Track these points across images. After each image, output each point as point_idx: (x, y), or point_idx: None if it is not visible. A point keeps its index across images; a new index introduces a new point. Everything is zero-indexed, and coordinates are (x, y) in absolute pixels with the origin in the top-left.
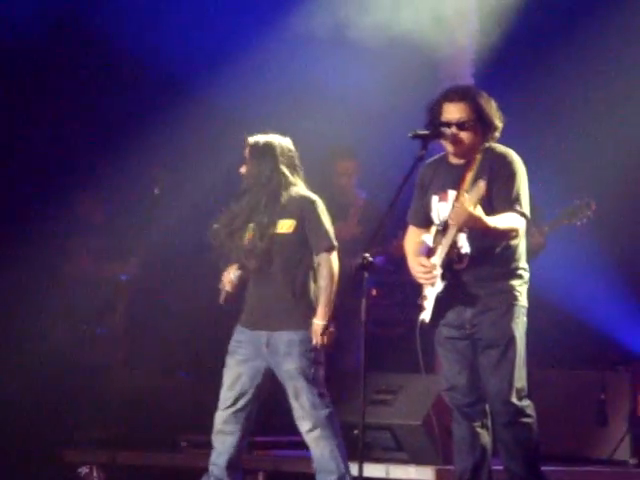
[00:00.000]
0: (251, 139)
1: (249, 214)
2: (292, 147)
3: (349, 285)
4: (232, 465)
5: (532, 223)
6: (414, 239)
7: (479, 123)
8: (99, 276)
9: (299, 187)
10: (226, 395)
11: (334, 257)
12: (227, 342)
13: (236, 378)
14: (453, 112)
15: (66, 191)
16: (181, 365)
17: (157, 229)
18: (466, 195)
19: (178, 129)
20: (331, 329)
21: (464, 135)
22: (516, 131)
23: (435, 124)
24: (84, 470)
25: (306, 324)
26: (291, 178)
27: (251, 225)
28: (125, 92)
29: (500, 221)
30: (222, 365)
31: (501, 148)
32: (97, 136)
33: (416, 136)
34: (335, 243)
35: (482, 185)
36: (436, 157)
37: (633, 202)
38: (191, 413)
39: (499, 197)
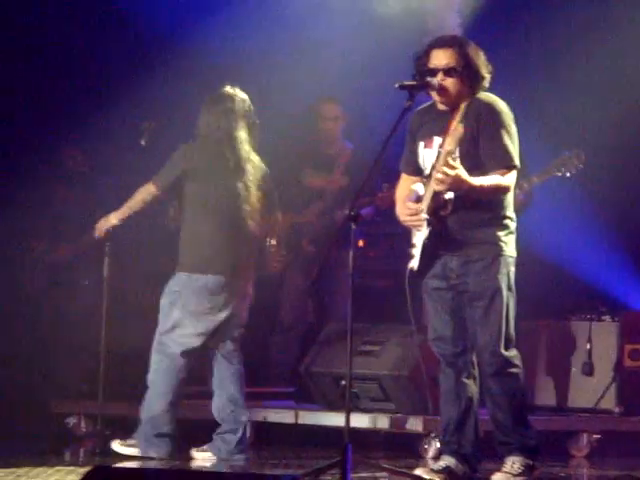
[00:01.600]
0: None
1: None
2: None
3: (336, 237)
4: None
5: (520, 175)
6: (405, 187)
7: (466, 70)
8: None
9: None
10: None
11: None
12: None
13: None
14: (440, 58)
15: (54, 142)
16: None
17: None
18: (446, 142)
19: (166, 82)
20: None
21: (450, 82)
22: (504, 83)
23: (422, 72)
24: (72, 421)
25: None
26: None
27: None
28: (112, 44)
29: (486, 181)
30: None
31: (488, 97)
32: (84, 89)
33: (402, 87)
34: None
35: (460, 128)
36: (425, 105)
37: (622, 153)
38: None
39: (486, 149)
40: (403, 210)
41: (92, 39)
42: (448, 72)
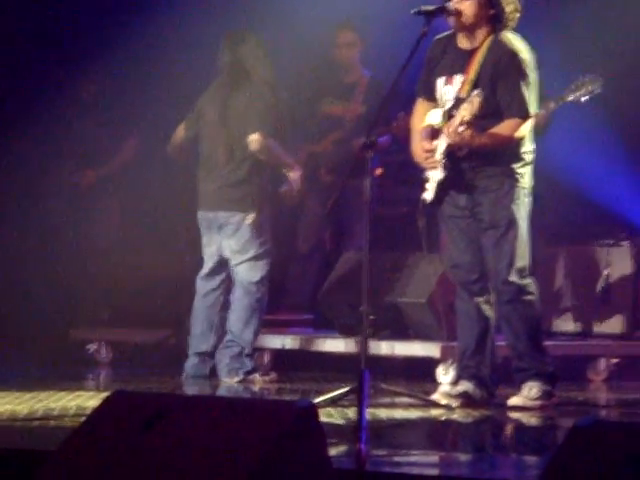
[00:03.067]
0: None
1: None
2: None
3: (353, 165)
4: None
5: (543, 97)
6: (422, 112)
7: None
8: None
9: None
10: None
11: None
12: None
13: None
14: None
15: (65, 72)
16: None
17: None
18: (460, 110)
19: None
20: None
21: (465, 5)
22: (530, 7)
23: None
24: (92, 347)
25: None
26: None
27: None
28: None
29: (494, 137)
30: None
31: (512, 42)
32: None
33: (419, 12)
34: None
35: (476, 101)
36: (445, 34)
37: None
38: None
39: (504, 98)
40: (418, 150)
41: None
42: None
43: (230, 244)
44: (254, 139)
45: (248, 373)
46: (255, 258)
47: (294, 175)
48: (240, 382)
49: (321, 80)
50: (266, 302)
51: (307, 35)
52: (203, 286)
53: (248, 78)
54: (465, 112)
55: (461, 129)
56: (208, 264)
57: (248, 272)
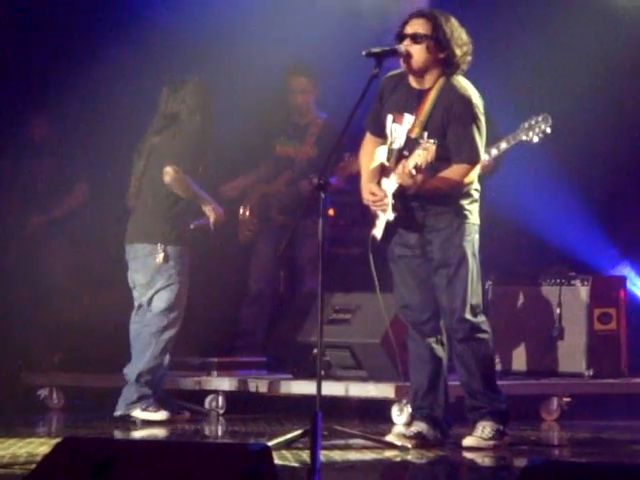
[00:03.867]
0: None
1: None
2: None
3: (305, 206)
4: None
5: (490, 141)
6: (371, 148)
7: (433, 40)
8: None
9: None
10: None
11: None
12: None
13: None
14: (412, 26)
15: (17, 111)
16: None
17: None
18: (414, 154)
19: (128, 51)
20: None
21: (415, 49)
22: (476, 48)
23: (396, 39)
24: (44, 393)
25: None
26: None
27: None
28: (74, 14)
29: (443, 182)
30: None
31: (463, 87)
32: (47, 55)
33: (369, 54)
34: None
35: (432, 149)
36: (398, 71)
37: (593, 118)
38: None
39: (454, 142)
40: (366, 192)
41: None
42: (414, 38)
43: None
44: (167, 171)
45: (131, 404)
46: (162, 288)
47: (209, 210)
48: (123, 415)
49: (275, 121)
50: (173, 331)
51: (262, 77)
52: (133, 321)
53: (176, 122)
54: (419, 158)
55: (414, 172)
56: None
57: (156, 302)
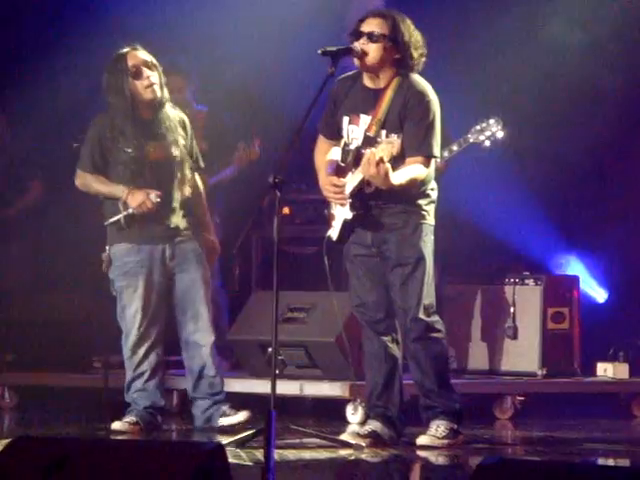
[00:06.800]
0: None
1: None
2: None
3: (259, 206)
4: None
5: (443, 144)
6: (324, 150)
7: (390, 40)
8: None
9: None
10: None
11: None
12: None
13: None
14: (369, 25)
15: None
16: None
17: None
18: (379, 147)
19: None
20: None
21: (371, 47)
22: (430, 51)
23: (351, 37)
24: None
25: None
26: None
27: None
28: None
29: (404, 176)
30: None
31: (419, 84)
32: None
33: (325, 53)
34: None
35: (396, 143)
36: (350, 73)
37: (546, 119)
38: (104, 334)
39: (409, 137)
40: (326, 185)
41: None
42: (370, 37)
43: None
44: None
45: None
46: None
47: (125, 200)
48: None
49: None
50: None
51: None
52: None
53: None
54: (383, 152)
55: (380, 161)
56: None
57: None
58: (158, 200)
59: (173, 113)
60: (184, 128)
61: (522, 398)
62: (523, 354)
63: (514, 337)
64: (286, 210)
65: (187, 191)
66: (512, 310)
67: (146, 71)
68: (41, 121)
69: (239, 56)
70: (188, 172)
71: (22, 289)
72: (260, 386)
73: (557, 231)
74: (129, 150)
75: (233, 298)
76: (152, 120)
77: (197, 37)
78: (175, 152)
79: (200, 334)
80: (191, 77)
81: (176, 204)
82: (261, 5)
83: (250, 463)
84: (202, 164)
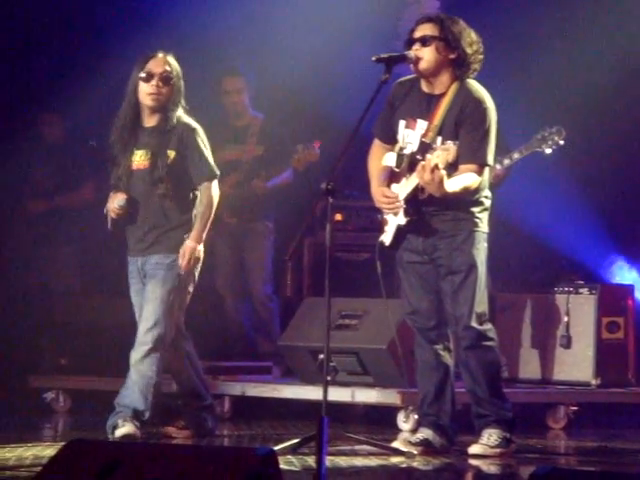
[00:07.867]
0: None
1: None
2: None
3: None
4: None
5: (502, 151)
6: (379, 155)
7: (441, 41)
8: (57, 207)
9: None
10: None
11: (214, 186)
12: None
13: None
14: (420, 30)
15: (28, 110)
16: None
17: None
18: (434, 154)
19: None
20: (198, 254)
21: (425, 52)
22: (491, 57)
23: (406, 45)
24: (50, 396)
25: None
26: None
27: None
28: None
29: (458, 184)
30: None
31: (477, 91)
32: (56, 58)
33: (379, 60)
34: (216, 172)
35: (452, 150)
36: (409, 77)
37: (605, 129)
38: None
39: (464, 144)
40: (379, 197)
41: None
42: (422, 41)
43: None
44: None
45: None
46: None
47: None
48: None
49: (213, 128)
50: None
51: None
52: None
53: None
54: (439, 159)
55: (436, 168)
56: None
57: None
58: (121, 204)
59: (182, 123)
60: (187, 139)
61: (575, 408)
62: (577, 364)
63: (568, 346)
64: (338, 216)
65: (166, 204)
66: (566, 319)
67: (156, 79)
68: (97, 123)
69: (296, 61)
70: (171, 185)
71: (73, 293)
72: (312, 393)
73: (613, 240)
74: (121, 155)
75: (285, 304)
76: (150, 129)
77: (255, 43)
78: (158, 163)
79: (134, 351)
80: (250, 82)
81: (149, 216)
82: (318, 11)
83: (302, 469)
84: (217, 172)
